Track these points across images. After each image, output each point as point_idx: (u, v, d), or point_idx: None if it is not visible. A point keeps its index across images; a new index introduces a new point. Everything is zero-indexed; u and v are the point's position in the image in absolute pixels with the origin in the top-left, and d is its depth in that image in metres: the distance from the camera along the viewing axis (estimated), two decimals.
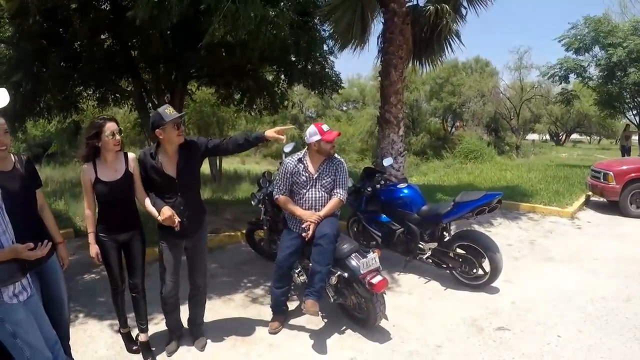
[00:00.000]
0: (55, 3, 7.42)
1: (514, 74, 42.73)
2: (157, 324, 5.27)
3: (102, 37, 9.47)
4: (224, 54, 9.06)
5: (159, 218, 4.20)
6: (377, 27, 10.37)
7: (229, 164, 34.00)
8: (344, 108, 52.84)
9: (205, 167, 27.79)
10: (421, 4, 10.37)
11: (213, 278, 6.66)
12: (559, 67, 22.79)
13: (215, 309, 5.71)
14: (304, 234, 4.95)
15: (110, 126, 4.06)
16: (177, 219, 4.16)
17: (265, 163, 37.60)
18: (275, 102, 12.45)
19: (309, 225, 4.89)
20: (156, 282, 4.74)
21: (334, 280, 4.95)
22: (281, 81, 12.25)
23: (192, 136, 4.63)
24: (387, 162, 7.58)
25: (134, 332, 4.84)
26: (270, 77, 12.44)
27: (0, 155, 3.54)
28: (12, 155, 3.72)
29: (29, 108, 9.23)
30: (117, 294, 4.60)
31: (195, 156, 4.46)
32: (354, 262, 4.76)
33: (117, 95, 11.62)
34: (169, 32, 8.78)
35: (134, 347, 4.76)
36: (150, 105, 11.30)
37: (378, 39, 10.39)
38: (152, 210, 4.28)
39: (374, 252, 4.86)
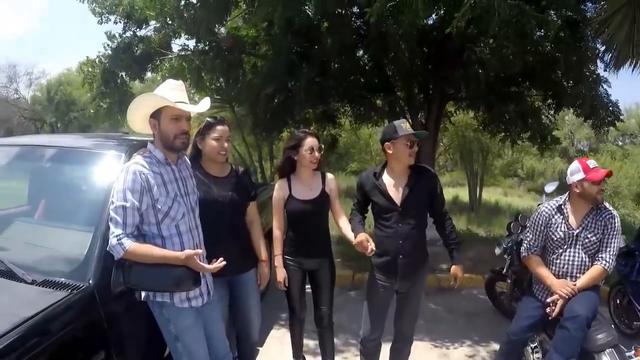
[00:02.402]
0: (303, 23, 7.57)
1: None
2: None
3: (355, 54, 9.30)
4: (480, 70, 8.22)
5: (354, 242, 3.73)
6: None
7: (491, 193, 32.61)
8: (620, 142, 47.31)
9: (464, 195, 27.01)
10: None
11: (435, 323, 6.15)
12: None
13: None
14: (548, 310, 3.89)
15: (310, 141, 3.94)
16: (370, 246, 3.59)
17: (529, 198, 34.68)
18: (541, 132, 11.14)
19: (557, 300, 3.82)
20: (355, 315, 4.33)
21: None
22: (548, 107, 10.80)
23: (429, 167, 4.10)
24: None
25: None
26: (536, 103, 11.04)
27: (219, 159, 3.63)
28: (230, 164, 3.83)
29: (282, 119, 9.42)
30: (293, 320, 4.39)
31: (426, 188, 3.87)
32: None
33: (372, 112, 11.38)
34: (425, 49, 8.30)
35: None
36: None
37: None
38: (348, 232, 3.92)
39: (635, 356, 3.61)
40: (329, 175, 4.15)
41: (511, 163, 37.32)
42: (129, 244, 2.76)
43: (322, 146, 4.06)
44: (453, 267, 3.95)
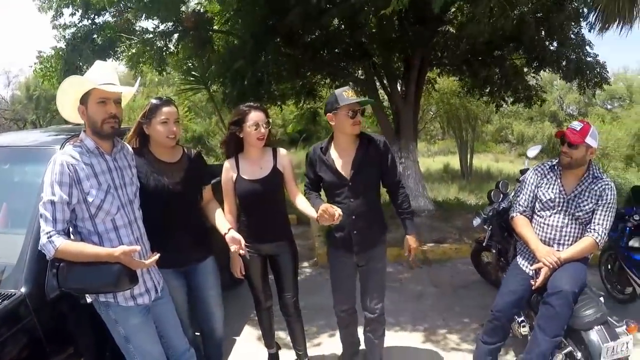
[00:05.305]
0: None
1: None
2: (322, 343, 4.86)
3: (325, 22, 8.69)
4: (452, 30, 7.93)
5: (316, 216, 3.40)
6: None
7: (482, 160, 32.55)
8: (609, 107, 46.99)
9: (455, 162, 26.89)
10: None
11: (421, 299, 5.93)
12: None
13: (411, 339, 4.91)
14: (532, 281, 3.65)
15: (255, 116, 3.57)
16: (337, 213, 3.25)
17: (520, 162, 34.61)
18: (528, 95, 10.97)
19: (541, 268, 3.55)
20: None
21: (560, 358, 3.48)
22: (531, 68, 10.55)
23: (379, 136, 3.80)
24: None
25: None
26: (520, 65, 10.80)
27: (168, 143, 3.33)
28: (182, 148, 3.55)
29: (256, 95, 9.01)
30: (260, 310, 4.12)
31: (373, 157, 3.64)
32: (595, 340, 3.25)
33: (352, 83, 11.01)
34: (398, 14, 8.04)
35: None
36: (383, 92, 10.65)
37: None
38: (306, 209, 3.63)
39: (627, 333, 3.31)
40: (281, 151, 3.84)
41: (501, 129, 37.25)
42: (60, 242, 2.58)
43: (270, 121, 3.74)
44: (406, 237, 3.79)
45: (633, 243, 5.02)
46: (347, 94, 3.50)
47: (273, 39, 8.42)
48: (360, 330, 4.21)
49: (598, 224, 3.58)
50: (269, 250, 3.84)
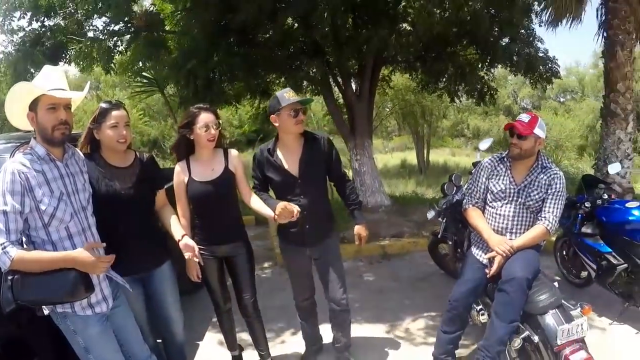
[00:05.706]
0: None
1: None
2: (284, 342, 4.87)
3: (280, 20, 8.60)
4: (406, 27, 8.00)
5: (274, 215, 3.51)
6: None
7: (439, 155, 33.10)
8: (562, 100, 48.52)
9: (412, 158, 27.10)
10: None
11: (380, 293, 5.98)
12: None
13: (372, 332, 4.97)
14: (486, 270, 3.72)
15: (205, 117, 3.56)
16: (295, 209, 3.45)
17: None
18: (481, 90, 11.04)
19: (495, 257, 3.61)
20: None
21: (517, 343, 3.50)
22: (485, 65, 10.63)
23: (320, 133, 4.16)
24: (613, 169, 5.74)
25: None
26: (472, 60, 10.82)
27: (119, 148, 3.25)
28: (134, 152, 3.48)
29: (209, 95, 8.88)
30: (219, 312, 4.11)
31: (319, 154, 3.84)
32: (550, 323, 3.29)
33: (307, 82, 11.11)
34: (351, 14, 8.15)
35: None
36: (337, 90, 10.72)
37: (597, 11, 8.35)
38: (262, 208, 3.69)
39: (582, 315, 3.38)
40: (232, 151, 3.83)
41: (457, 124, 37.80)
42: (15, 252, 2.50)
43: (220, 122, 3.73)
44: (356, 227, 4.02)
45: (585, 229, 5.13)
46: (288, 95, 3.61)
47: (226, 39, 8.37)
48: (321, 327, 4.30)
49: (548, 212, 3.66)
50: (225, 252, 3.84)
